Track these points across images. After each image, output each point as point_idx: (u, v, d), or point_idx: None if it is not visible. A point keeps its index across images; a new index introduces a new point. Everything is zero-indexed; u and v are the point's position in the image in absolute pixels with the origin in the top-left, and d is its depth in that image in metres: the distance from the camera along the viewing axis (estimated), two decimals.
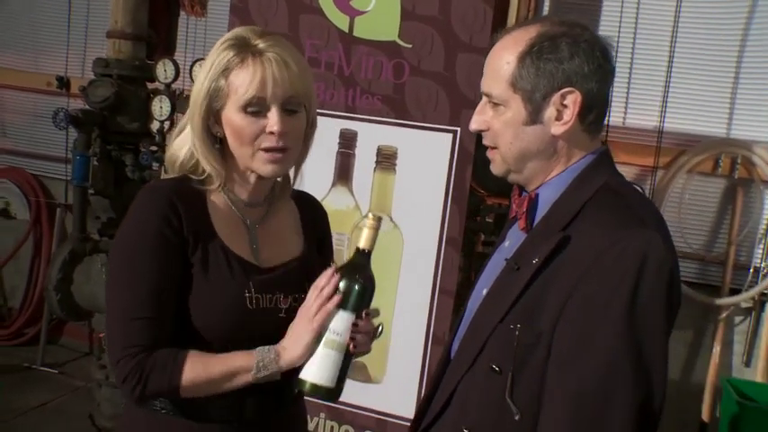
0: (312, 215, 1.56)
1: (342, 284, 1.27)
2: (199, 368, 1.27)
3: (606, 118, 1.24)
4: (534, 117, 1.17)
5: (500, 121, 1.19)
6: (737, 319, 3.57)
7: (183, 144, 1.38)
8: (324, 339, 1.27)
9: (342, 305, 1.27)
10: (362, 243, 1.28)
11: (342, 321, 1.27)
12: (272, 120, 1.30)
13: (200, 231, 1.34)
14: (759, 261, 3.46)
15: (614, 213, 1.12)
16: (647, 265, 1.04)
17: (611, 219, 1.11)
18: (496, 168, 1.25)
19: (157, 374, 1.26)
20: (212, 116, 1.34)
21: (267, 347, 1.30)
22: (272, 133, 1.30)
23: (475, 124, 1.23)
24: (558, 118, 1.16)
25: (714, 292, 3.49)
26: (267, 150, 1.32)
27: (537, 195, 1.22)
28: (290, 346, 1.29)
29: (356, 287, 1.27)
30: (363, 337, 1.31)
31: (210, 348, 1.32)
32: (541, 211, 1.20)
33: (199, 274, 1.32)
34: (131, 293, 1.28)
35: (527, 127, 1.18)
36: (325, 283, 1.28)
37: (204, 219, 1.36)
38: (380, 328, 1.36)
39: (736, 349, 3.58)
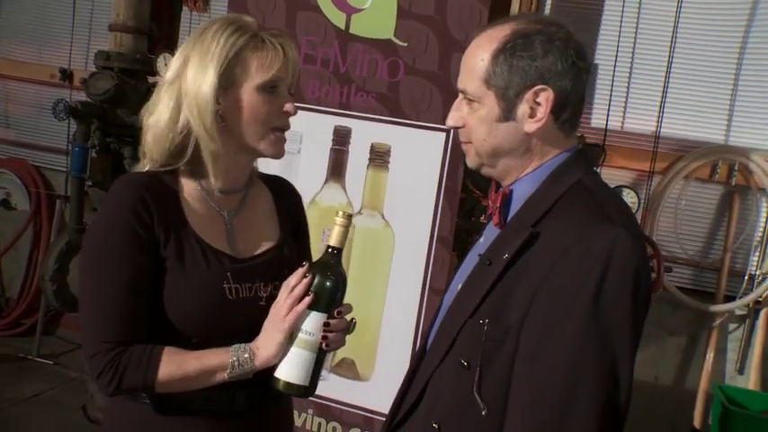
0: (287, 201, 1.56)
1: (314, 284, 1.29)
2: (174, 366, 1.28)
3: (581, 116, 1.24)
4: (507, 114, 1.17)
5: (474, 117, 1.20)
6: (731, 326, 3.57)
7: (169, 129, 1.34)
8: (296, 339, 1.29)
9: (313, 305, 1.28)
10: (333, 241, 1.30)
11: (313, 321, 1.29)
12: (288, 101, 1.36)
13: (173, 225, 1.34)
14: (754, 268, 3.46)
15: (584, 210, 1.12)
16: (613, 261, 1.05)
17: (580, 215, 1.11)
18: (470, 161, 1.26)
19: (132, 371, 1.27)
20: (221, 96, 1.33)
21: (243, 346, 1.32)
22: (286, 113, 1.36)
23: (451, 120, 1.24)
24: (532, 115, 1.16)
25: (709, 299, 3.49)
26: (278, 130, 1.36)
27: (511, 192, 1.22)
28: (264, 345, 1.31)
29: (327, 286, 1.29)
30: (336, 335, 1.32)
31: (192, 341, 1.33)
32: (515, 207, 1.21)
33: (175, 268, 1.32)
34: (105, 288, 1.28)
35: (500, 124, 1.18)
36: (296, 282, 1.30)
37: (177, 212, 1.36)
38: (353, 323, 1.37)
39: (729, 356, 3.58)
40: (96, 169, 3.45)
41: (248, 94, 1.33)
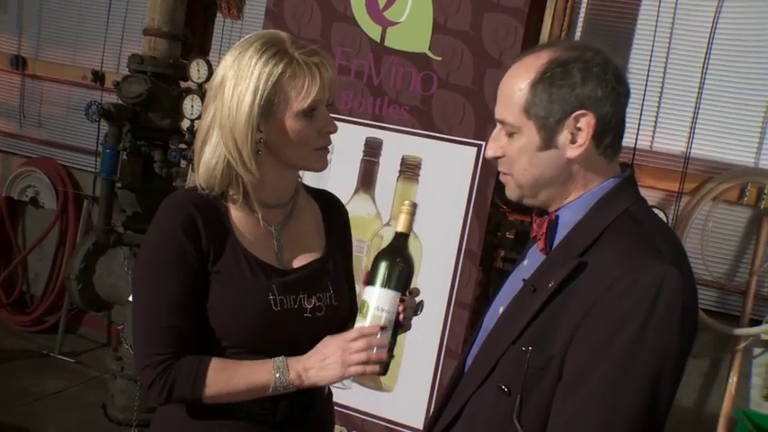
0: (335, 217, 1.59)
1: (384, 265, 1.34)
2: (221, 382, 1.33)
3: (623, 141, 1.23)
4: (548, 142, 1.16)
5: (514, 147, 1.19)
6: (756, 350, 3.52)
7: (215, 157, 1.37)
8: (371, 316, 1.33)
9: (386, 284, 1.34)
10: (400, 227, 1.38)
11: (387, 299, 1.33)
12: (328, 120, 1.39)
13: (221, 240, 1.38)
14: None
15: (632, 242, 1.11)
16: (660, 297, 1.03)
17: (628, 247, 1.10)
18: (510, 193, 1.25)
19: (181, 383, 1.32)
20: (259, 125, 1.35)
21: (285, 365, 1.35)
22: (327, 132, 1.39)
23: (491, 151, 1.24)
24: (573, 141, 1.16)
25: (733, 322, 3.45)
26: (321, 149, 1.40)
27: (557, 217, 1.21)
28: (317, 372, 1.35)
29: (399, 266, 1.35)
30: (408, 313, 1.38)
31: (237, 350, 1.37)
32: (561, 233, 1.20)
33: (223, 282, 1.36)
34: (155, 303, 1.33)
35: (541, 153, 1.17)
36: (369, 332, 1.32)
37: (224, 227, 1.39)
38: (422, 304, 1.43)
39: (754, 382, 3.53)
40: (126, 171, 3.49)
41: (290, 120, 1.35)
